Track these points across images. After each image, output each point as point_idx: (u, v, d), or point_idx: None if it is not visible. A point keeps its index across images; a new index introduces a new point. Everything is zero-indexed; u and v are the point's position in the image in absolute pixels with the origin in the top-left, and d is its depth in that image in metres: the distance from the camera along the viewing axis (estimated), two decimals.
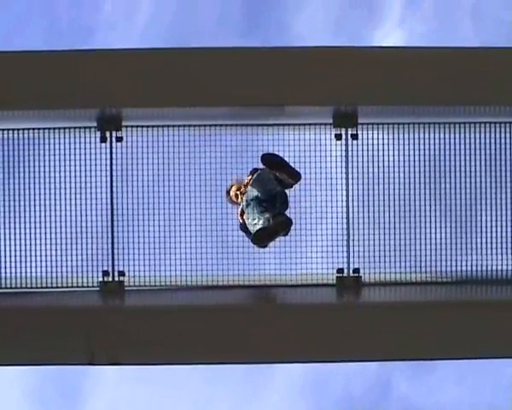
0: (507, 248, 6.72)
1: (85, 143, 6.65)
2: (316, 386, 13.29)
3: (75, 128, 6.62)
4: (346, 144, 6.61)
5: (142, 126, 6.62)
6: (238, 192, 6.45)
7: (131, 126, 6.61)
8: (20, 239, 6.65)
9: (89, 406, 13.20)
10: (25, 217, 6.64)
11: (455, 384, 12.84)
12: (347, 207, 6.63)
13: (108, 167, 6.64)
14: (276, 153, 6.42)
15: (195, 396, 13.22)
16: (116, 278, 6.65)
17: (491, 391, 12.53)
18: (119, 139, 6.61)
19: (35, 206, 6.64)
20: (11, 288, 6.64)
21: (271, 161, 6.24)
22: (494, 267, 6.70)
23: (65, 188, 6.65)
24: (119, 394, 13.34)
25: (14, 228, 6.65)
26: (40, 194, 6.64)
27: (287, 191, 6.37)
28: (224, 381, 12.85)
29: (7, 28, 13.35)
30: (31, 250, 6.65)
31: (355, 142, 6.61)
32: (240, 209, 6.44)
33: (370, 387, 13.38)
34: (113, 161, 6.63)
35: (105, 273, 6.65)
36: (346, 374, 12.94)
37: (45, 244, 6.65)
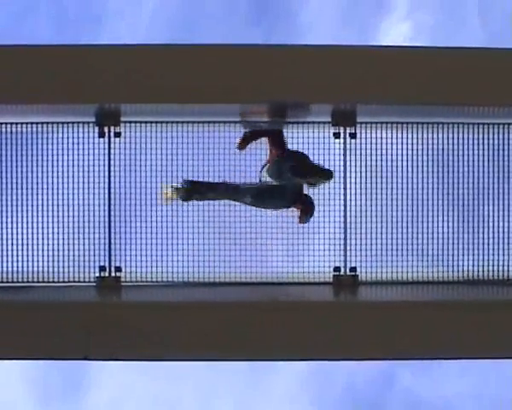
0: (509, 249, 6.73)
1: (83, 138, 6.64)
2: (319, 378, 13.31)
3: (73, 123, 6.62)
4: (345, 143, 6.62)
5: (141, 122, 6.62)
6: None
7: (130, 122, 6.60)
8: (17, 234, 6.64)
9: (91, 397, 13.23)
10: (22, 211, 6.64)
11: (459, 377, 12.86)
12: (345, 205, 6.64)
13: (106, 163, 6.63)
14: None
15: (199, 388, 13.24)
16: (113, 274, 6.65)
17: (495, 384, 12.55)
18: (118, 135, 6.61)
19: (32, 200, 6.63)
20: (8, 282, 6.64)
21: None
22: (494, 268, 6.71)
23: (62, 183, 6.64)
24: (121, 385, 13.36)
25: (11, 223, 6.64)
26: (37, 189, 6.63)
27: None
28: (228, 373, 12.87)
29: (14, 17, 13.34)
30: (28, 245, 6.64)
31: (353, 140, 6.61)
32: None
33: (374, 379, 13.41)
34: (111, 157, 6.63)
35: (102, 269, 6.65)
36: (350, 366, 12.94)
37: (42, 239, 6.65)
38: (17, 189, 6.63)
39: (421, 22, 13.67)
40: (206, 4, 13.77)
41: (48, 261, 6.67)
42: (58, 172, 6.65)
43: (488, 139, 6.70)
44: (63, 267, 6.69)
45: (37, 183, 6.64)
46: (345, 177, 6.63)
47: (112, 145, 6.62)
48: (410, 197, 6.69)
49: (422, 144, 6.68)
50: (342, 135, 6.61)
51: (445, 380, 12.74)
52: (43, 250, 6.67)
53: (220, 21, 13.34)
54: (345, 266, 6.66)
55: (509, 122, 6.67)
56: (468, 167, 6.72)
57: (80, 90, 5.99)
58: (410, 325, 5.95)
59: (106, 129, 6.59)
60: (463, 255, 6.70)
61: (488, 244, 6.72)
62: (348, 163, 6.63)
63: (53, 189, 6.64)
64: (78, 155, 6.66)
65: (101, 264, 6.66)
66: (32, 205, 6.64)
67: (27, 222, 6.64)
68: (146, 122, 6.62)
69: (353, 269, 6.66)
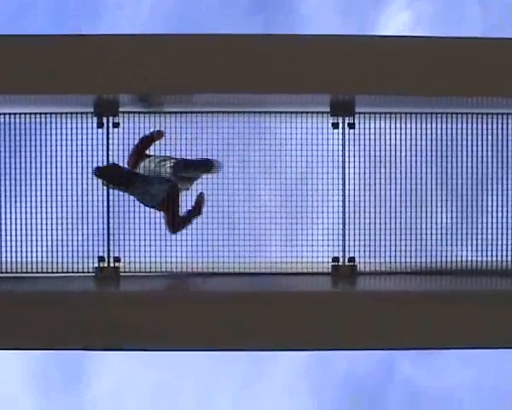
0: (507, 239, 6.72)
1: (82, 128, 6.64)
2: (318, 370, 13.35)
3: (72, 113, 6.62)
4: (343, 133, 6.61)
5: (139, 112, 6.61)
6: None
7: (128, 112, 6.60)
8: (16, 224, 6.65)
9: (92, 388, 13.28)
10: (20, 202, 6.64)
11: (459, 368, 12.89)
12: (343, 195, 6.63)
13: (105, 153, 6.63)
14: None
15: (199, 377, 13.29)
16: (112, 264, 6.66)
17: (495, 376, 12.58)
18: (116, 125, 6.61)
19: (31, 191, 6.64)
20: (7, 272, 6.65)
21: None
22: (494, 258, 6.71)
23: (61, 173, 6.65)
24: (121, 376, 13.41)
25: (10, 213, 6.65)
26: (36, 179, 6.64)
27: None
28: (227, 364, 12.91)
29: (14, 10, 13.32)
30: (26, 235, 6.65)
31: (352, 131, 6.60)
32: None
33: (373, 370, 13.45)
34: (110, 147, 6.63)
35: (101, 259, 6.66)
36: (349, 357, 12.98)
37: (41, 230, 6.66)
38: (15, 179, 6.64)
39: (421, 12, 13.66)
40: None
41: (47, 252, 6.68)
42: (57, 162, 6.65)
43: (488, 129, 6.68)
44: (62, 258, 6.71)
45: (36, 173, 6.65)
46: (343, 167, 6.62)
47: (110, 136, 6.62)
48: (409, 187, 6.68)
49: (421, 134, 6.67)
50: (341, 125, 6.60)
51: (444, 371, 12.77)
52: (41, 241, 6.68)
53: (219, 14, 13.34)
54: (343, 257, 6.66)
55: (509, 112, 6.65)
56: (467, 157, 6.71)
57: (79, 81, 5.99)
58: (408, 315, 5.95)
59: (104, 119, 6.59)
60: (462, 245, 6.70)
61: (487, 234, 6.71)
62: (347, 153, 6.63)
63: (51, 179, 6.64)
64: (77, 145, 6.66)
65: (100, 254, 6.67)
66: (31, 195, 6.64)
67: (26, 212, 6.65)
68: (145, 112, 6.62)
69: (352, 259, 6.66)
